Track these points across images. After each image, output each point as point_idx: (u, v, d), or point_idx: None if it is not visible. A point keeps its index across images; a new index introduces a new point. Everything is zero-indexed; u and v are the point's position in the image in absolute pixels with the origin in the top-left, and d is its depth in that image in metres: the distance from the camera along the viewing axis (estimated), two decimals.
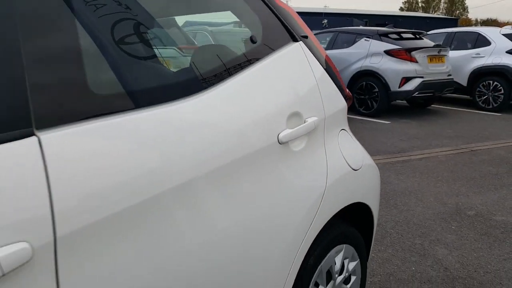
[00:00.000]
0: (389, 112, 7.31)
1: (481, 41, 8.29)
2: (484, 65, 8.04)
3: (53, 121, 0.71)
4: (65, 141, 0.71)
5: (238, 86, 1.06)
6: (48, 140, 0.68)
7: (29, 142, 0.66)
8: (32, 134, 0.67)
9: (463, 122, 6.89)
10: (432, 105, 8.43)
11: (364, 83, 7.11)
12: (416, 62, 6.87)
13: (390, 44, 7.00)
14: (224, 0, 1.27)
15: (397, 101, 7.54)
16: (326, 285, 1.43)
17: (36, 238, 0.65)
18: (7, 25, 0.68)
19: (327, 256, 1.41)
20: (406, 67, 6.82)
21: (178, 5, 1.31)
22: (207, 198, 0.93)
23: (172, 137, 0.87)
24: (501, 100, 7.88)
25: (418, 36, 7.62)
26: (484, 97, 8.10)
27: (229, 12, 1.30)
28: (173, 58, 1.79)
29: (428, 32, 9.35)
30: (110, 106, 0.81)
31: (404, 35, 7.36)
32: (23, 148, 0.65)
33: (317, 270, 1.37)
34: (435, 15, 69.17)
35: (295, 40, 1.35)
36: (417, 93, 6.86)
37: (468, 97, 8.58)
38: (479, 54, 8.19)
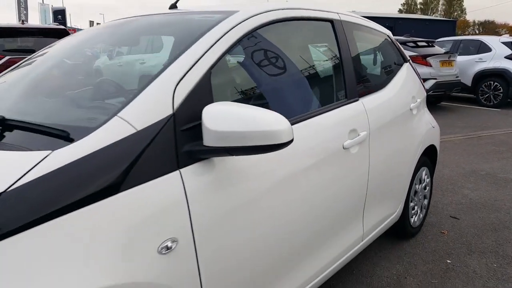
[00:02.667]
0: None
1: (483, 48, 9.73)
2: (486, 68, 9.47)
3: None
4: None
5: (396, 84, 2.47)
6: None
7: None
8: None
9: (469, 116, 8.33)
10: (442, 103, 9.86)
11: None
12: (431, 66, 8.29)
13: (408, 52, 8.40)
14: (379, 46, 2.65)
15: None
16: (419, 185, 2.83)
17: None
18: None
19: (419, 171, 2.81)
20: (422, 70, 8.21)
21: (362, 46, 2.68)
22: (396, 130, 2.32)
23: (384, 105, 2.27)
24: (500, 98, 9.33)
25: (430, 44, 9.04)
26: (486, 95, 9.54)
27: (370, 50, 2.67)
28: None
29: (437, 40, 10.78)
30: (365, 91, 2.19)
31: (419, 43, 8.79)
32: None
33: (416, 177, 2.77)
34: (434, 17, 70.80)
35: (406, 61, 2.77)
36: (431, 92, 8.27)
37: (472, 95, 10.02)
38: (481, 59, 9.63)
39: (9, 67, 5.58)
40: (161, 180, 1.13)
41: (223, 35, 1.40)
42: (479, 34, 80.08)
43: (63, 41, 2.00)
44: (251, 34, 1.51)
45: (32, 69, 1.79)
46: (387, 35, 2.69)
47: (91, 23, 49.40)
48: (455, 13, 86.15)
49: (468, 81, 9.65)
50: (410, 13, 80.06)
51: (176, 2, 2.00)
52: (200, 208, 1.20)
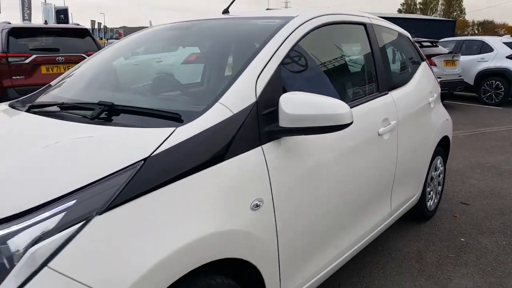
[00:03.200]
0: None
1: (485, 48, 10.03)
2: (488, 68, 9.78)
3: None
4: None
5: (417, 80, 2.76)
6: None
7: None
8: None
9: (472, 113, 8.63)
10: (445, 101, 10.16)
11: None
12: (435, 65, 8.59)
13: None
14: (402, 46, 2.93)
15: None
16: (434, 172, 3.13)
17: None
18: None
19: (435, 160, 3.10)
20: None
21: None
22: (418, 120, 2.61)
23: (409, 98, 2.56)
24: (501, 96, 9.64)
25: (434, 44, 9.35)
26: (488, 94, 9.85)
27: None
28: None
29: (441, 40, 11.08)
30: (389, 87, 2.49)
31: (424, 43, 9.08)
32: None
33: (432, 164, 3.06)
34: (433, 17, 71.18)
35: (423, 60, 3.06)
36: None
37: (474, 94, 10.33)
38: (483, 58, 9.93)
39: (36, 65, 5.76)
40: (250, 153, 1.42)
41: (288, 36, 1.69)
42: (478, 34, 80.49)
43: (134, 37, 2.30)
44: (308, 35, 1.80)
45: (114, 61, 2.08)
46: (408, 37, 2.98)
47: (93, 23, 49.65)
48: (455, 13, 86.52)
49: (470, 80, 9.95)
50: (409, 13, 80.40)
51: (228, 7, 2.30)
52: (277, 176, 1.49)
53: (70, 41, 6.60)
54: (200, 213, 1.23)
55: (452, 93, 9.52)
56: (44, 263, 0.96)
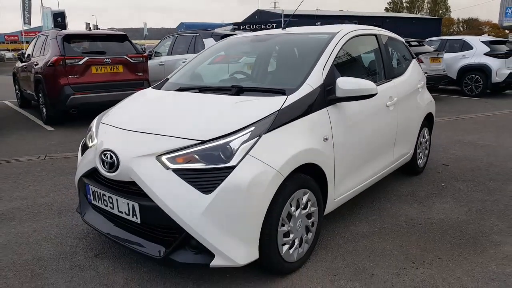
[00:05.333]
0: None
1: (466, 46, 11.34)
2: (468, 64, 11.09)
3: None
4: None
5: (410, 71, 3.96)
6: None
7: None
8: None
9: (455, 103, 9.92)
10: (431, 93, 11.44)
11: None
12: (422, 62, 9.84)
13: None
14: (396, 47, 4.12)
15: None
16: (423, 139, 4.33)
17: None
18: None
19: (422, 129, 4.30)
20: None
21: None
22: (411, 100, 3.81)
23: (405, 83, 3.75)
24: (481, 89, 10.96)
25: (421, 43, 10.62)
26: (469, 87, 11.16)
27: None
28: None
29: (426, 39, 12.37)
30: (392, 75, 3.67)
31: (412, 43, 10.33)
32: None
33: (420, 133, 4.26)
34: (420, 16, 72.97)
35: (414, 57, 4.27)
36: None
37: (457, 87, 11.64)
38: (464, 55, 11.24)
39: (87, 66, 6.92)
40: (321, 111, 2.58)
41: (337, 43, 2.88)
42: (463, 31, 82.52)
43: (235, 42, 3.53)
44: (347, 43, 2.99)
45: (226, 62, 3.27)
46: (402, 41, 4.18)
47: (87, 25, 50.42)
48: (440, 11, 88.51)
49: (453, 75, 11.26)
50: (396, 11, 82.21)
51: (285, 27, 3.47)
52: (334, 124, 2.65)
53: (113, 44, 7.68)
54: (301, 139, 2.39)
55: (437, 86, 10.80)
56: (247, 152, 2.11)
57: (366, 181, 3.16)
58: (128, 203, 2.21)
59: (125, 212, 2.25)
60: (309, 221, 2.51)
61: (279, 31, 3.44)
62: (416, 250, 2.76)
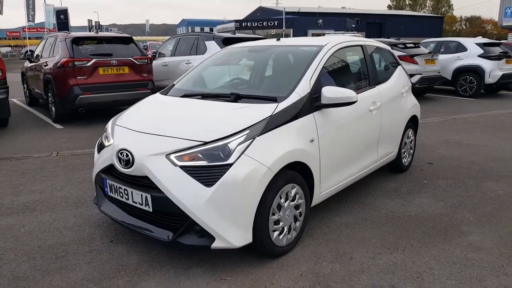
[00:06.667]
0: None
1: (461, 48, 11.68)
2: (463, 65, 11.43)
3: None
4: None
5: (394, 78, 4.33)
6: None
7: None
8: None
9: (449, 104, 10.27)
10: (427, 94, 11.80)
11: None
12: (417, 64, 10.19)
13: (399, 52, 10.29)
14: (382, 55, 4.49)
15: None
16: (407, 139, 4.71)
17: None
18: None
19: (407, 130, 4.67)
20: (410, 67, 10.09)
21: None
22: (394, 104, 4.18)
23: (388, 89, 4.12)
24: (475, 90, 11.30)
25: (416, 45, 10.96)
26: (463, 88, 11.50)
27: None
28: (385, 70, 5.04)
29: (422, 41, 12.70)
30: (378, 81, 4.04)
31: (408, 45, 10.68)
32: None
33: (405, 133, 4.63)
34: (422, 14, 72.95)
35: (399, 64, 4.63)
36: (417, 85, 10.17)
37: (451, 88, 11.98)
38: (459, 57, 11.58)
39: (95, 67, 7.33)
40: (308, 116, 2.95)
41: (324, 55, 3.26)
42: (466, 29, 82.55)
43: (230, 51, 3.89)
44: (333, 55, 3.36)
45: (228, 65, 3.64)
46: (388, 49, 4.54)
47: (90, 22, 50.84)
48: (443, 9, 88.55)
49: (448, 76, 11.60)
50: (399, 9, 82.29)
51: (279, 38, 3.84)
52: (320, 128, 3.02)
53: (119, 47, 8.06)
54: (290, 140, 2.76)
55: (432, 87, 11.15)
56: (242, 152, 2.49)
57: (350, 177, 3.53)
58: (141, 195, 2.59)
59: (138, 202, 2.63)
60: (297, 211, 2.89)
61: (273, 42, 3.82)
62: (392, 238, 3.14)
